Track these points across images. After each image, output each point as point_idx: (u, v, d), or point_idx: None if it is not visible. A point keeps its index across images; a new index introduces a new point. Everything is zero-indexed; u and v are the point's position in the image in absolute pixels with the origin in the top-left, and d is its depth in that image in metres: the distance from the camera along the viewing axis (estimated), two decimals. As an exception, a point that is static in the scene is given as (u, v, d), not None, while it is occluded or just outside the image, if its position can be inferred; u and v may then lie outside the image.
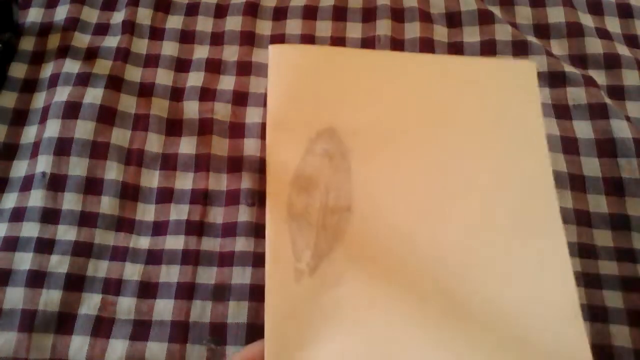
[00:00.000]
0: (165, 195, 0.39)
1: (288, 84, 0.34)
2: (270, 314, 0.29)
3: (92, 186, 0.39)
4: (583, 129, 0.40)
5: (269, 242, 0.31)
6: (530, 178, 0.31)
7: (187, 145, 0.40)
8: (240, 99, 0.42)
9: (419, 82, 0.34)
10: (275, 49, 0.34)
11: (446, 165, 0.32)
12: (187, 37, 0.45)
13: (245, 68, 0.43)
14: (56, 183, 0.38)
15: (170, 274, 0.37)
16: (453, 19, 0.45)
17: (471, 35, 0.45)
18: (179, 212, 0.38)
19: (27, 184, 0.39)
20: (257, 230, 0.38)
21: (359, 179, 0.32)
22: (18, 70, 0.43)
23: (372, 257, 0.30)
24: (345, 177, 0.32)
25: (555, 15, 0.45)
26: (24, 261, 0.36)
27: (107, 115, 0.41)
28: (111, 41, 0.44)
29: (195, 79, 0.43)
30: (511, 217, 0.30)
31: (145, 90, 0.42)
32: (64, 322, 0.35)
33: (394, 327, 0.29)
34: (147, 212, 0.39)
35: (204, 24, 0.45)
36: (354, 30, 0.45)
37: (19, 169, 0.40)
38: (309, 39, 0.44)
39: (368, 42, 0.44)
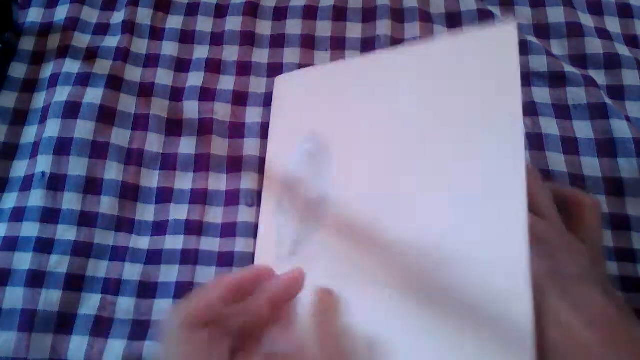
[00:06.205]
0: (165, 195, 0.39)
1: (287, 108, 0.41)
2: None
3: (92, 186, 0.38)
4: (583, 129, 0.40)
5: (259, 232, 0.37)
6: (499, 158, 0.30)
7: (187, 145, 0.40)
8: (240, 99, 0.42)
9: (391, 87, 0.36)
10: (279, 78, 0.42)
11: (414, 159, 0.34)
12: (187, 37, 0.45)
13: (245, 68, 0.43)
14: (56, 183, 0.38)
15: (169, 273, 0.37)
16: (453, 19, 0.45)
17: (471, 35, 0.45)
18: (178, 212, 0.38)
19: (27, 183, 0.39)
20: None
21: (335, 173, 0.36)
22: (18, 70, 0.43)
23: (344, 241, 0.34)
24: (324, 171, 0.37)
25: (555, 15, 0.45)
26: (23, 261, 0.36)
27: (107, 115, 0.41)
28: (111, 41, 0.44)
29: (195, 79, 0.43)
30: (475, 198, 0.30)
31: (145, 90, 0.42)
32: (63, 322, 0.35)
33: (365, 293, 0.32)
34: (146, 212, 0.39)
35: (204, 24, 0.45)
36: (354, 30, 0.45)
37: (19, 169, 0.40)
38: (309, 39, 0.44)
39: (368, 42, 0.44)
